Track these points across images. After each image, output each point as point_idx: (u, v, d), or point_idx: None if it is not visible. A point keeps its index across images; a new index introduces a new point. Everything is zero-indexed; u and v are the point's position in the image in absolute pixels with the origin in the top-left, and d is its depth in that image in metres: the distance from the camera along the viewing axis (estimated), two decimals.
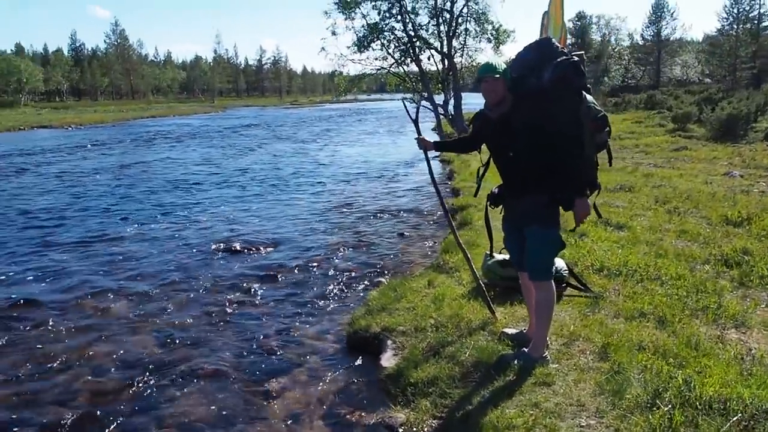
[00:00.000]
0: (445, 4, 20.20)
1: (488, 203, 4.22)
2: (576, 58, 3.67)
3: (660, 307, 4.73)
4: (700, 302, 4.84)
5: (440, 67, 20.86)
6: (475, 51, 21.25)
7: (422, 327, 4.79)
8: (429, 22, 20.48)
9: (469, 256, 4.82)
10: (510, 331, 4.43)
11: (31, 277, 7.32)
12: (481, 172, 4.33)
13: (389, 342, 4.73)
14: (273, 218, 10.69)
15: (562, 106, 3.62)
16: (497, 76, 3.71)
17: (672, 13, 57.65)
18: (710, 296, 4.96)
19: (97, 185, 15.13)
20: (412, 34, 20.38)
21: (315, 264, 7.63)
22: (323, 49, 20.60)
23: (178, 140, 30.28)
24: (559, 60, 3.65)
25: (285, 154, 22.33)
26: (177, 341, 5.33)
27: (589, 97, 3.64)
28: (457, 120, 19.58)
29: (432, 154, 4.76)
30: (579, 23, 48.06)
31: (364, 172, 16.87)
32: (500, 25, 20.11)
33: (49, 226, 10.32)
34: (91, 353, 5.13)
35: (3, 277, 7.36)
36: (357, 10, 20.16)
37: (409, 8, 20.26)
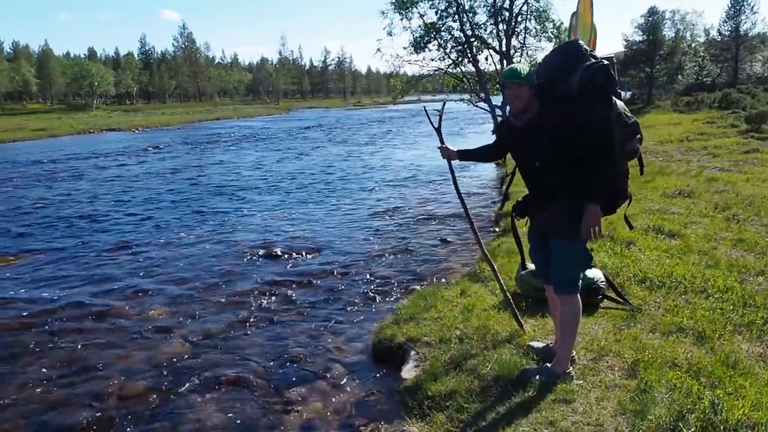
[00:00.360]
0: (504, 2, 19.83)
1: (513, 214, 4.08)
2: (606, 62, 3.49)
3: (701, 322, 4.46)
4: (745, 317, 4.54)
5: (498, 67, 20.45)
6: (535, 50, 20.75)
7: (447, 338, 4.68)
8: (487, 21, 20.13)
9: (494, 265, 4.68)
10: (536, 344, 4.27)
11: (73, 279, 7.59)
12: (507, 182, 4.20)
13: (412, 353, 4.65)
14: (316, 223, 10.75)
15: (591, 113, 3.44)
16: (522, 81, 3.55)
17: (752, 7, 54.70)
18: (758, 311, 4.63)
19: (146, 189, 15.54)
20: (470, 33, 20.08)
21: (353, 270, 7.62)
22: (379, 50, 20.50)
23: (235, 143, 30.97)
24: (587, 64, 3.48)
25: (337, 158, 22.43)
26: (206, 347, 5.42)
27: (619, 104, 3.45)
28: None
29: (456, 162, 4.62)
30: (650, 19, 46.18)
31: (414, 176, 16.76)
32: (561, 23, 19.54)
33: (93, 230, 10.64)
34: (122, 356, 5.28)
35: (45, 280, 7.66)
36: (414, 9, 20.03)
37: (466, 7, 20.00)
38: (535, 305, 5.06)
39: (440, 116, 4.62)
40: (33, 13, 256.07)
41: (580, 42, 3.78)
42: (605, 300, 5.10)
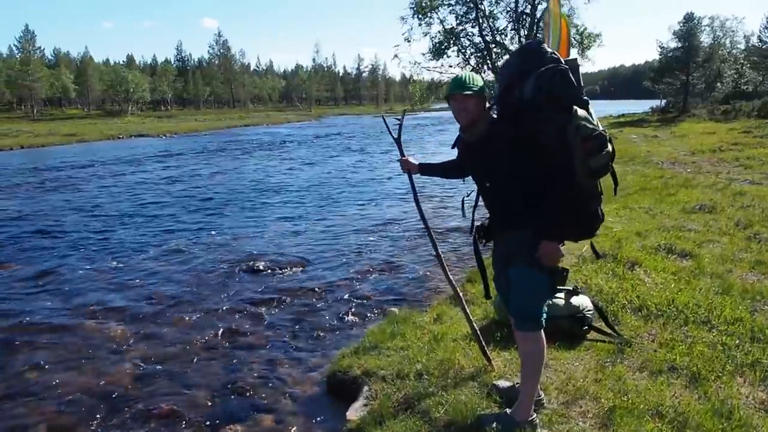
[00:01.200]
0: (525, 7, 19.21)
1: (475, 236, 3.53)
2: (564, 66, 2.96)
3: (697, 360, 3.93)
4: (750, 355, 3.98)
5: None
6: None
7: (405, 373, 4.17)
8: (507, 26, 19.51)
9: (459, 293, 4.15)
10: (502, 384, 3.74)
11: (41, 294, 7.27)
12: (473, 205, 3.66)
13: (365, 388, 4.14)
14: (309, 236, 10.27)
15: (546, 125, 2.93)
16: (468, 93, 3.09)
17: None
18: (766, 348, 4.04)
19: (127, 200, 14.91)
20: (490, 39, 19.52)
21: (335, 288, 7.15)
22: (396, 56, 20.16)
23: (249, 151, 30.55)
24: (542, 69, 2.96)
25: (347, 168, 21.68)
26: (154, 372, 5.00)
27: (580, 113, 2.90)
28: None
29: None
30: (687, 26, 44.74)
31: (423, 187, 16.10)
32: (585, 29, 18.84)
33: (82, 237, 10.37)
34: (63, 381, 4.90)
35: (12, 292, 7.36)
36: (434, 14, 19.59)
37: (487, 12, 19.45)
38: (512, 335, 4.49)
39: (400, 126, 4.16)
40: (77, 21, 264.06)
41: (542, 43, 3.26)
42: (592, 331, 4.54)
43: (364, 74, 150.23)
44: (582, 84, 3.05)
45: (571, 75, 2.95)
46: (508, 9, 19.16)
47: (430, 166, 3.86)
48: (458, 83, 3.14)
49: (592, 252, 3.49)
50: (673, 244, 6.83)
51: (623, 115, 52.44)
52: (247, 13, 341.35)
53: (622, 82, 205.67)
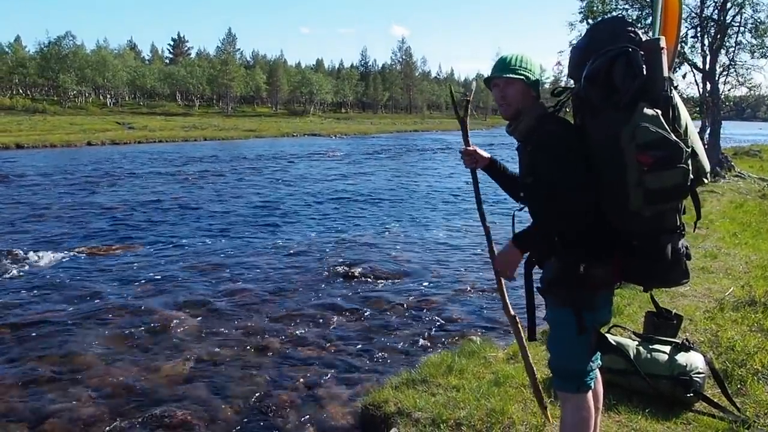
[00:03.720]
0: (712, 12, 16.89)
1: (528, 260, 2.71)
2: (633, 47, 2.16)
3: None
4: None
5: (700, 87, 17.55)
6: (748, 69, 17.39)
7: (444, 419, 3.49)
8: (687, 33, 17.24)
9: (516, 319, 3.34)
10: None
11: (137, 278, 7.42)
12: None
13: (393, 431, 3.53)
14: (419, 246, 9.65)
15: (597, 127, 2.19)
16: (510, 76, 2.40)
17: None
18: None
19: (267, 193, 15.31)
20: None
21: (424, 305, 6.50)
22: (559, 63, 18.84)
23: (401, 155, 30.47)
24: (602, 51, 2.19)
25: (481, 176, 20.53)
26: (191, 374, 4.79)
27: (648, 111, 2.07)
28: (713, 151, 16.18)
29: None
30: None
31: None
32: None
33: (170, 234, 10.50)
34: (97, 369, 4.84)
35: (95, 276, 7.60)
36: None
37: None
38: None
39: (466, 102, 3.06)
40: (277, 26, 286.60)
41: (623, 19, 2.46)
42: (699, 400, 3.51)
43: (546, 84, 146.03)
44: (664, 73, 2.19)
45: (641, 60, 2.13)
46: (693, 14, 16.98)
47: (501, 166, 2.92)
48: (500, 65, 2.46)
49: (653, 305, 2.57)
50: None
51: None
52: (436, 21, 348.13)
53: None
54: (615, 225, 2.21)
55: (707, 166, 2.24)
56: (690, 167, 2.06)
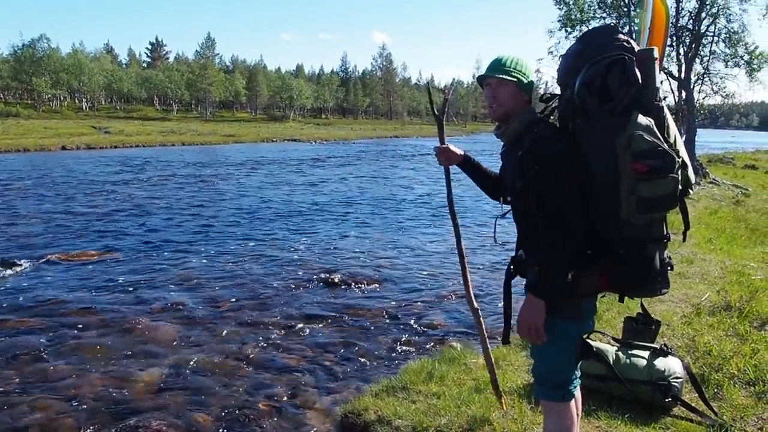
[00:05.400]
0: (687, 22, 17.19)
1: (509, 267, 2.71)
2: (628, 56, 2.16)
3: None
4: None
5: (675, 95, 17.84)
6: (722, 78, 17.73)
7: (425, 427, 3.46)
8: (665, 42, 17.52)
9: (481, 320, 3.42)
10: None
11: (110, 283, 7.30)
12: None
13: None
14: (401, 251, 9.61)
15: (591, 133, 2.19)
16: (503, 77, 2.38)
17: None
18: None
19: (226, 203, 14.99)
20: None
21: (404, 311, 6.47)
22: (538, 70, 19.05)
23: (378, 161, 30.39)
24: (595, 60, 2.18)
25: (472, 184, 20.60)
26: (171, 383, 4.69)
27: (642, 120, 2.08)
28: (689, 159, 16.39)
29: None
30: None
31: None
32: (755, 47, 16.44)
33: (174, 234, 10.54)
34: (76, 376, 4.75)
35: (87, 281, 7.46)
36: (584, 28, 18.24)
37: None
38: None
39: (445, 101, 3.24)
40: (257, 33, 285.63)
41: (615, 27, 2.45)
42: (678, 405, 3.54)
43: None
44: (656, 83, 2.21)
45: (636, 68, 2.14)
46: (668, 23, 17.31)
47: (475, 163, 2.94)
48: (494, 65, 2.44)
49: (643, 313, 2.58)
50: None
51: None
52: (417, 28, 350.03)
53: None
54: (604, 233, 2.21)
55: (693, 178, 2.27)
56: (680, 177, 2.09)
